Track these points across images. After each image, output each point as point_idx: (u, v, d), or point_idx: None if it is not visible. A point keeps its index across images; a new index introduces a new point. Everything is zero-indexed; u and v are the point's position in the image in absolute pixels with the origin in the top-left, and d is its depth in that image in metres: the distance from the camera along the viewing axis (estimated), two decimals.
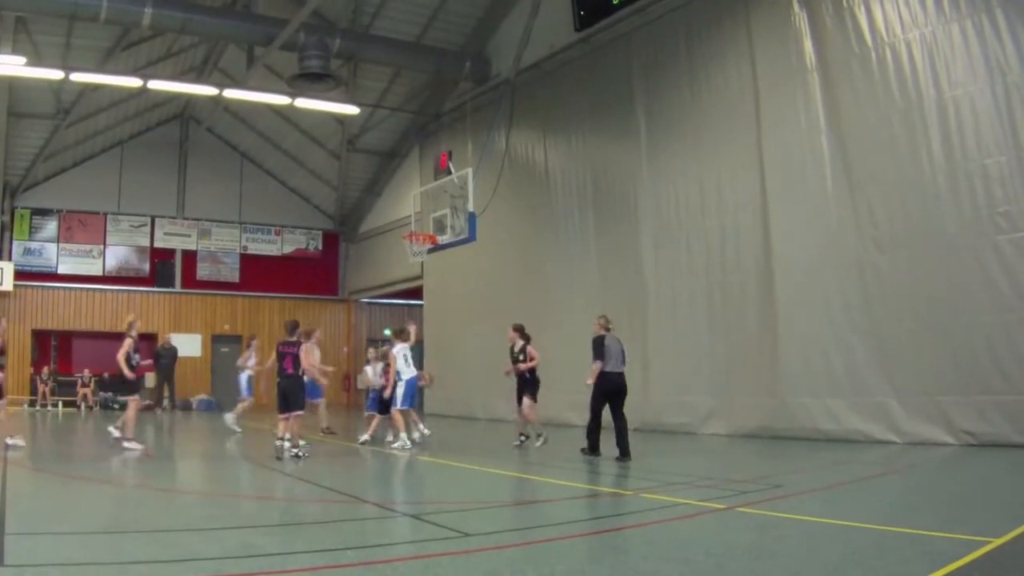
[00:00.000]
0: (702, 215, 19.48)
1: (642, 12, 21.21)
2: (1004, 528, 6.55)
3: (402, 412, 15.85)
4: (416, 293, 32.35)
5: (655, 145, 20.92)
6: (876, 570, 5.63)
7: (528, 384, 16.40)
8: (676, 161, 20.27)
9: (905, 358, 15.22)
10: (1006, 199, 13.70)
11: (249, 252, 35.91)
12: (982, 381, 14.02)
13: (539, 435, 15.97)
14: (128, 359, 15.31)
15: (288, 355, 14.09)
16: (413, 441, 15.91)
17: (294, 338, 14.28)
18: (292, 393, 14.10)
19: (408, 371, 15.71)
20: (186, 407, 30.79)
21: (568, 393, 22.72)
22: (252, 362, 19.96)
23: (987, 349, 13.95)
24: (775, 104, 17.77)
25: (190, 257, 34.64)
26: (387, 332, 36.94)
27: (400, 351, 15.81)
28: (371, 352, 18.23)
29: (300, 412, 14.06)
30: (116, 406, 22.22)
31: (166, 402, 28.19)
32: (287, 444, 13.87)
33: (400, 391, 15.56)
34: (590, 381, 14.38)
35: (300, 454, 13.67)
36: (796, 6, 17.33)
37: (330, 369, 19.74)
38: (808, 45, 17.06)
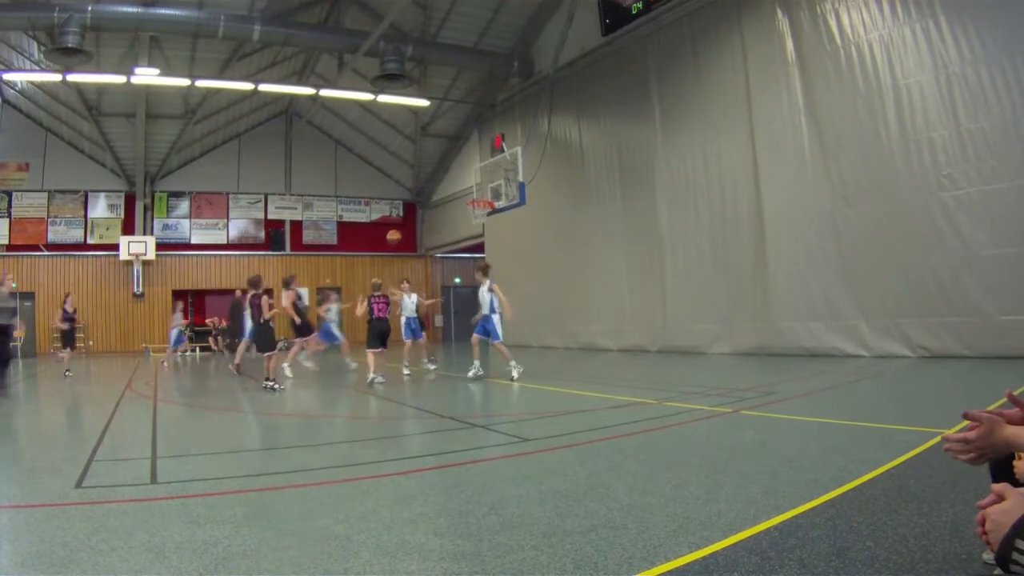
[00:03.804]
0: (706, 180, 19.61)
1: (655, 20, 21.25)
2: (952, 422, 6.39)
3: (500, 343, 14.31)
4: (479, 248, 32.35)
5: (668, 126, 21.00)
6: (853, 456, 5.60)
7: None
8: (684, 138, 20.37)
9: (871, 289, 15.48)
10: (948, 164, 13.96)
11: (344, 220, 36.28)
12: (933, 307, 14.33)
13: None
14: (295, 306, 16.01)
15: (377, 303, 14.68)
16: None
17: (380, 292, 14.91)
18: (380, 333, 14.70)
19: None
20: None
21: (603, 323, 23.59)
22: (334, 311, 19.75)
23: (935, 281, 14.25)
24: (763, 91, 17.88)
25: (297, 226, 35.26)
26: (457, 280, 37.86)
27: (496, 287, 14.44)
28: (405, 285, 17.42)
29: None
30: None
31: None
32: (370, 374, 14.01)
33: (499, 323, 14.30)
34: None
35: (277, 387, 13.24)
36: (779, 13, 17.39)
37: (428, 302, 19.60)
38: (789, 44, 17.15)
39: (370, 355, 14.43)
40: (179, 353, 25.65)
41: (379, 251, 36.38)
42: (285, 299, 15.88)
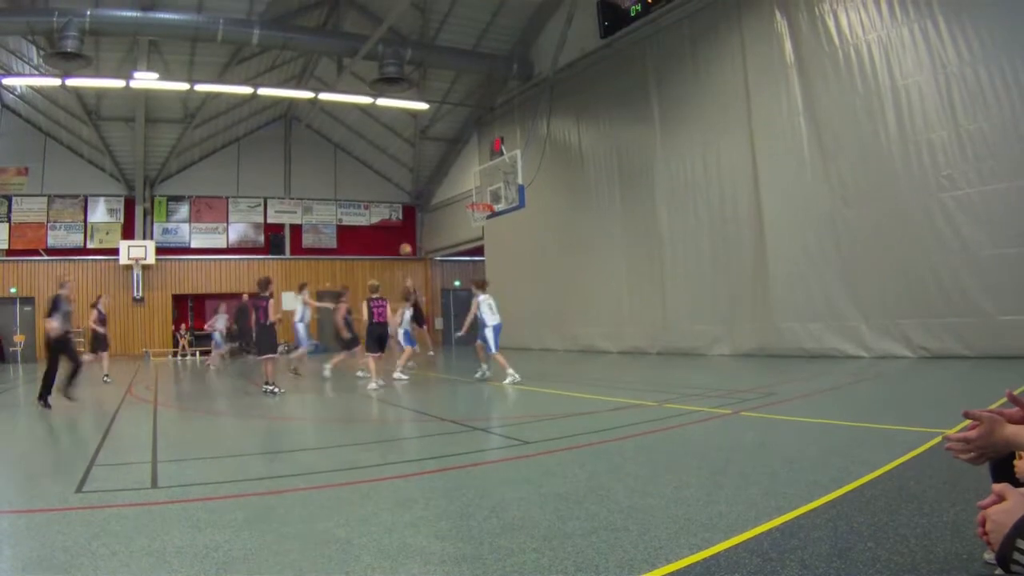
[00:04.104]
0: (705, 181, 19.61)
1: (654, 22, 21.26)
2: (953, 422, 6.36)
3: (495, 353, 14.51)
4: (479, 251, 32.42)
5: (667, 127, 21.00)
6: (853, 457, 5.61)
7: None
8: (684, 140, 20.37)
9: (871, 290, 15.47)
10: (947, 165, 13.96)
11: (344, 223, 36.24)
12: (932, 307, 14.32)
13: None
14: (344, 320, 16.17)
15: (376, 308, 14.55)
16: (485, 374, 14.94)
17: (378, 295, 14.73)
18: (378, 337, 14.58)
19: (493, 318, 14.55)
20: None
21: (603, 325, 23.59)
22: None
23: (935, 282, 14.23)
24: (762, 92, 17.87)
25: (296, 229, 35.31)
26: (456, 283, 37.85)
27: (484, 300, 14.73)
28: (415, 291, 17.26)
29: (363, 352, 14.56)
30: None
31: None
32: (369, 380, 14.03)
33: (491, 336, 14.45)
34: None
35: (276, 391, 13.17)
36: (778, 15, 17.39)
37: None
38: (788, 46, 17.15)
39: (371, 361, 14.40)
40: (178, 356, 25.61)
41: (379, 255, 36.46)
42: (337, 312, 15.98)
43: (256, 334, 14.44)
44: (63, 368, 12.15)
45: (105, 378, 17.92)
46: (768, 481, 5.03)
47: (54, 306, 12.05)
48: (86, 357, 18.72)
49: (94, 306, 18.76)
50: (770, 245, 17.74)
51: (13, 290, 29.88)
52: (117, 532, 4.28)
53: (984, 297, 13.55)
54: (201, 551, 3.85)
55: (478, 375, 14.96)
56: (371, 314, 14.58)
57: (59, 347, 12.04)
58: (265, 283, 14.14)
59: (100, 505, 5.04)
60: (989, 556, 2.49)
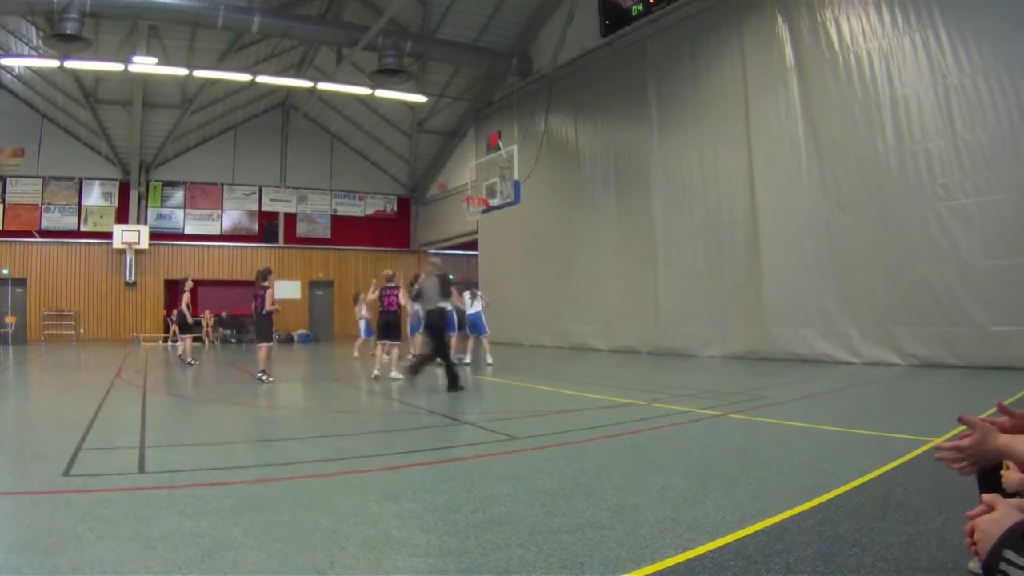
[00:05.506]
0: (702, 183, 19.56)
1: (655, 22, 21.20)
2: (942, 430, 6.49)
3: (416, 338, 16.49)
4: (473, 245, 32.44)
5: (664, 128, 20.95)
6: (841, 462, 5.64)
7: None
8: (681, 141, 20.31)
9: (863, 296, 15.47)
10: (944, 174, 13.97)
11: (338, 214, 36.19)
12: (924, 315, 14.34)
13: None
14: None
15: (389, 296, 14.50)
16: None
17: (394, 283, 14.65)
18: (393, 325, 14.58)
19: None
20: (289, 340, 31.62)
21: (595, 323, 23.59)
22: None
23: (928, 290, 14.25)
24: (761, 96, 17.83)
25: (291, 218, 35.26)
26: (450, 277, 37.73)
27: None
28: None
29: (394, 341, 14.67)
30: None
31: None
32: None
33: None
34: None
35: (264, 379, 13.39)
36: (779, 19, 17.35)
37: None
38: (788, 50, 17.12)
39: (378, 348, 14.47)
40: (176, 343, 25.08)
41: (372, 246, 36.50)
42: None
43: (254, 322, 14.53)
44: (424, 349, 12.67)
45: (191, 362, 17.94)
46: (755, 484, 5.04)
47: (444, 283, 12.83)
48: (180, 344, 18.35)
49: (182, 288, 18.56)
50: (764, 249, 17.73)
51: (6, 271, 29.79)
52: (103, 516, 4.28)
53: (977, 307, 13.57)
54: (187, 537, 3.85)
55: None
56: (383, 302, 14.58)
57: (438, 324, 12.57)
58: (265, 274, 14.27)
59: (87, 489, 5.03)
60: (974, 565, 2.50)
